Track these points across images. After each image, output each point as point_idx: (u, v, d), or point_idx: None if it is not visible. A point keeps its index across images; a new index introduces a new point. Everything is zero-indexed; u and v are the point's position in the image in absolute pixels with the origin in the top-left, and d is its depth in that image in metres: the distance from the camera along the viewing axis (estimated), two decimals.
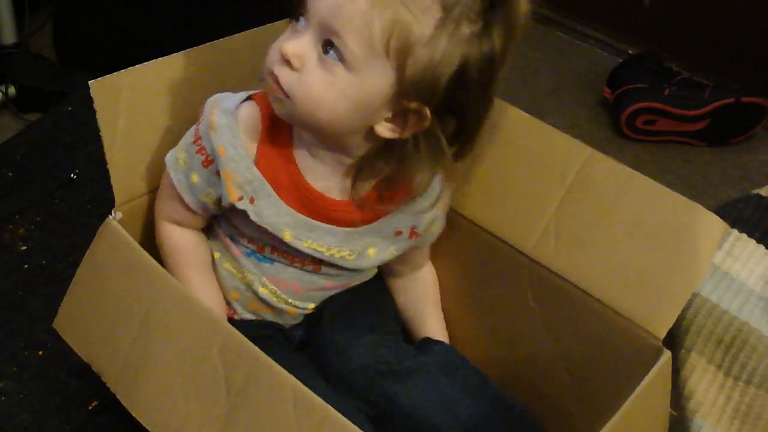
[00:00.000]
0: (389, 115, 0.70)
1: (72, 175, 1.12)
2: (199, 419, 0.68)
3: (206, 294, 0.82)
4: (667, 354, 0.74)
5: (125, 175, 0.81)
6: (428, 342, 0.88)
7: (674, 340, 0.88)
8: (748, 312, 0.88)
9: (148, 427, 0.71)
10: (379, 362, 0.82)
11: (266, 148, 0.76)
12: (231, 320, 0.85)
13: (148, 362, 0.72)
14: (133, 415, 0.72)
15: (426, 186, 0.75)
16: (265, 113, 0.75)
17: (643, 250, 0.77)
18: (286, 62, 0.68)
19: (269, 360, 0.65)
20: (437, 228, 0.85)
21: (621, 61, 1.89)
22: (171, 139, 0.85)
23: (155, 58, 0.82)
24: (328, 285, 0.84)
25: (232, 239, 0.82)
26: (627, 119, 1.76)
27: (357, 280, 0.87)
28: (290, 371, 0.64)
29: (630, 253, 0.78)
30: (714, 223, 0.74)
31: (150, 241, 0.86)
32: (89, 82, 0.76)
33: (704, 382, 0.86)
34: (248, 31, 0.89)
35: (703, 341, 0.87)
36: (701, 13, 1.88)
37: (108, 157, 0.79)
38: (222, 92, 0.79)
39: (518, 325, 0.88)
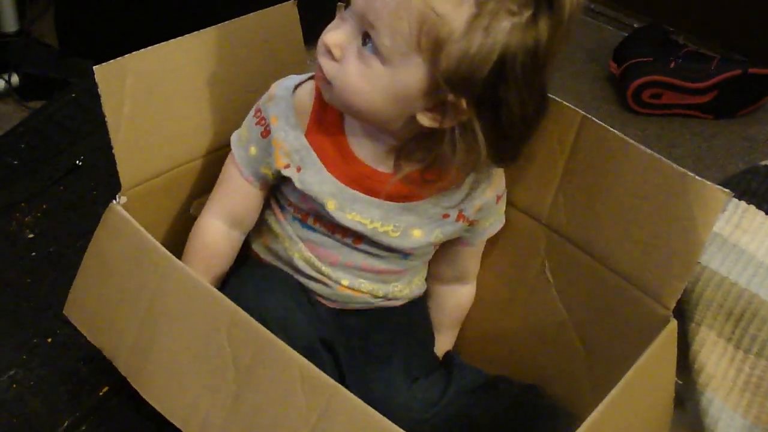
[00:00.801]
0: (428, 105, 0.70)
1: (77, 161, 1.12)
2: (209, 399, 0.69)
3: None
4: (672, 322, 0.74)
5: (131, 160, 0.81)
6: (451, 362, 0.90)
7: (684, 313, 0.88)
8: (758, 284, 0.88)
9: (160, 410, 0.71)
10: (421, 411, 0.84)
11: (318, 121, 0.78)
12: (258, 261, 0.86)
13: (156, 345, 0.73)
14: (145, 397, 0.72)
15: (467, 174, 0.76)
16: (320, 91, 0.77)
17: (645, 219, 0.77)
18: (328, 52, 0.71)
19: (276, 339, 0.65)
20: (489, 223, 0.85)
21: (626, 35, 1.87)
22: (177, 123, 0.85)
23: (158, 43, 0.82)
24: (365, 266, 0.83)
25: (280, 206, 0.83)
26: (633, 93, 1.75)
27: (397, 268, 0.84)
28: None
29: (632, 222, 0.78)
30: (709, 190, 0.72)
31: (156, 224, 0.86)
32: (94, 67, 0.76)
33: (714, 356, 0.86)
34: (255, 12, 0.88)
35: (712, 314, 0.87)
36: None
37: (113, 142, 0.79)
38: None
39: (533, 294, 0.89)
